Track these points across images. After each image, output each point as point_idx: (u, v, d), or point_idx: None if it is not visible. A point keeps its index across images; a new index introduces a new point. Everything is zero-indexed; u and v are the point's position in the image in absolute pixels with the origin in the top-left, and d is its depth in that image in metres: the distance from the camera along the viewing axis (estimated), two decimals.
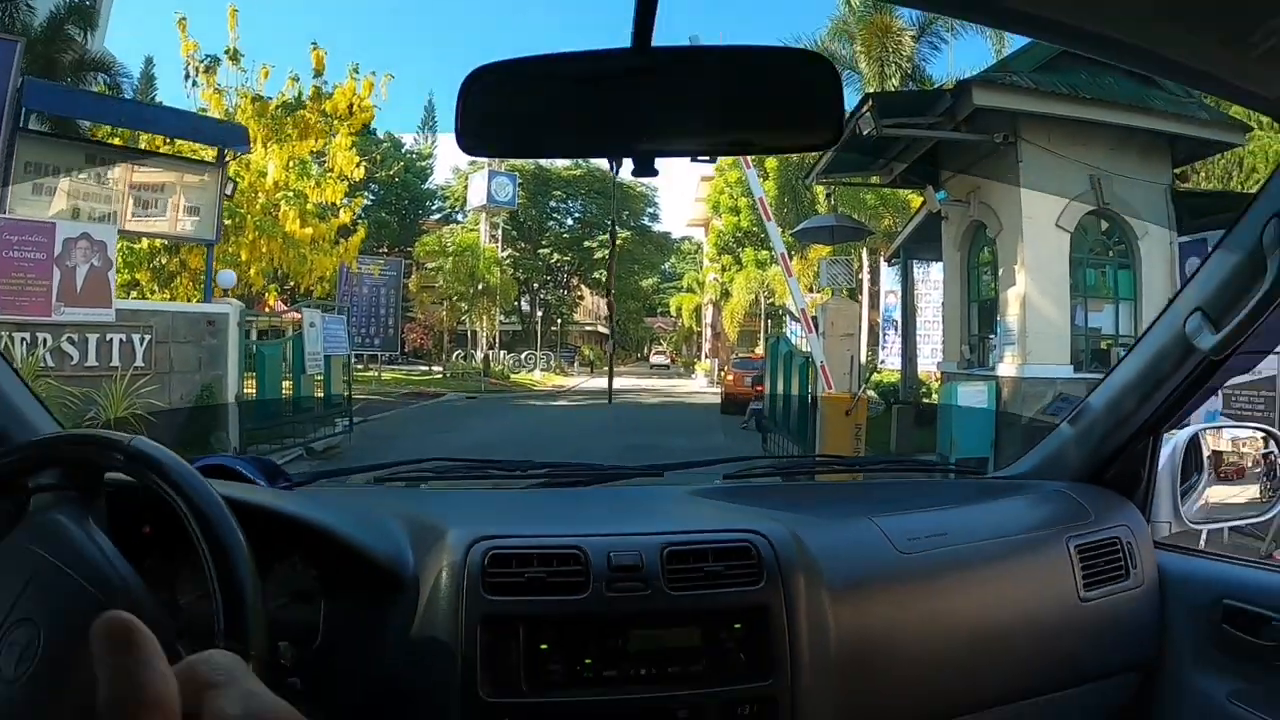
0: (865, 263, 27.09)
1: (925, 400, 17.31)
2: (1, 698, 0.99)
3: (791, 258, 17.79)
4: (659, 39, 1.04)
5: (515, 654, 1.35)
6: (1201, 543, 2.35)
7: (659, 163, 1.14)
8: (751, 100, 1.13)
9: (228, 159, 15.06)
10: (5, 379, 1.62)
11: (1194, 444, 2.13)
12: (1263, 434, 2.23)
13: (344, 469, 2.02)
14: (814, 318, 13.31)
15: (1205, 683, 1.78)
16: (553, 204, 50.93)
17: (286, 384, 14.24)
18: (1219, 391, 8.92)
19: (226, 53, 18.22)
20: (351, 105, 19.26)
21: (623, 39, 1.06)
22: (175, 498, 1.12)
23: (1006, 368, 12.99)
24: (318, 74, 19.06)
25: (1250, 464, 2.20)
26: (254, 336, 16.15)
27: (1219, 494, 2.15)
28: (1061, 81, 12.25)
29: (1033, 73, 12.38)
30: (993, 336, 14.12)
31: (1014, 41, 20.70)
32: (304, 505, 1.42)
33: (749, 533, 1.52)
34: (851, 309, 14.68)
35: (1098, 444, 2.07)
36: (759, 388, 18.89)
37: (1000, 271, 13.53)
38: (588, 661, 1.37)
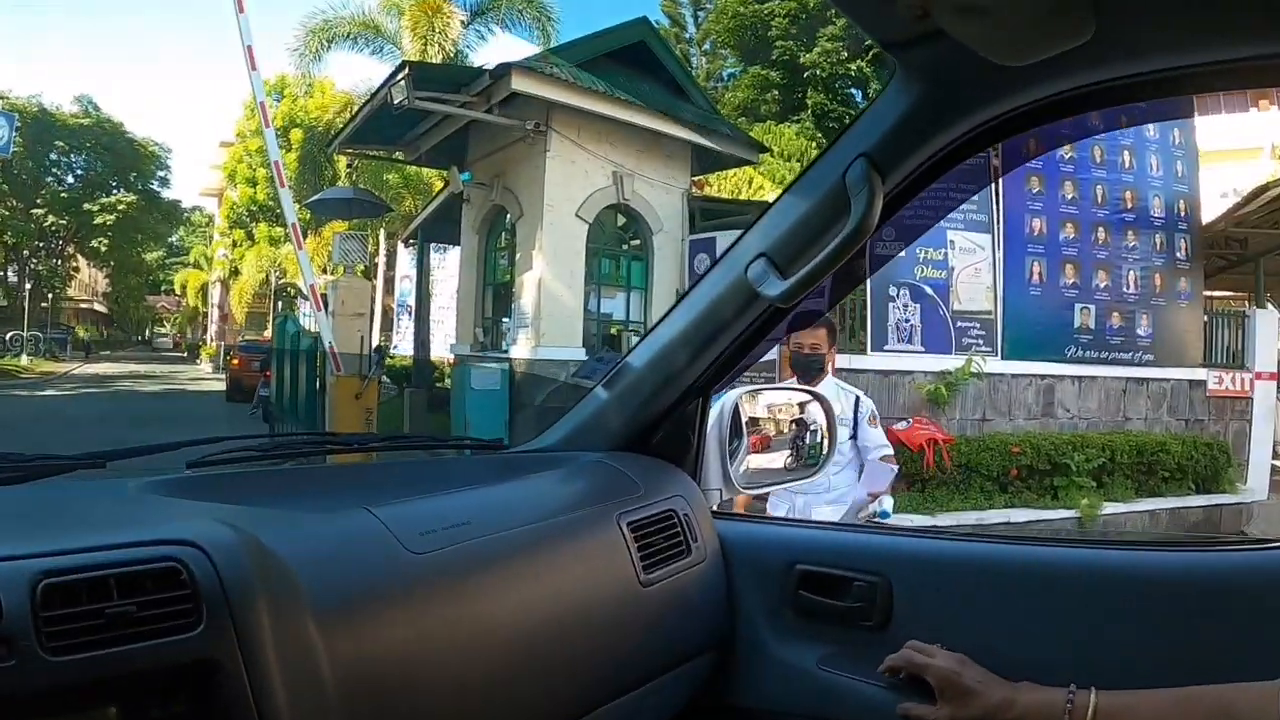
0: (383, 246, 27.26)
1: (439, 384, 17.48)
2: None
3: (306, 235, 17.63)
4: None
5: None
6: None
7: None
8: None
9: None
10: None
11: (742, 404, 2.05)
12: (811, 395, 2.24)
13: None
14: (324, 295, 12.87)
15: (790, 652, 1.69)
16: (54, 156, 45.76)
17: None
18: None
19: None
20: None
21: None
22: None
23: (520, 350, 13.37)
24: None
25: (785, 428, 2.18)
26: None
27: (760, 459, 2.09)
28: (599, 80, 12.72)
29: (574, 67, 12.73)
30: (507, 320, 14.44)
31: (561, 36, 21.68)
32: None
33: (175, 544, 0.99)
34: (364, 287, 14.43)
35: (640, 407, 1.89)
36: (267, 373, 18.35)
37: (519, 256, 13.80)
38: None
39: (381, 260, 27.56)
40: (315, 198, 17.28)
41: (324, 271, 22.85)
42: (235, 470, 1.60)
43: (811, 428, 2.17)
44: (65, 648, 0.88)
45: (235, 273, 36.61)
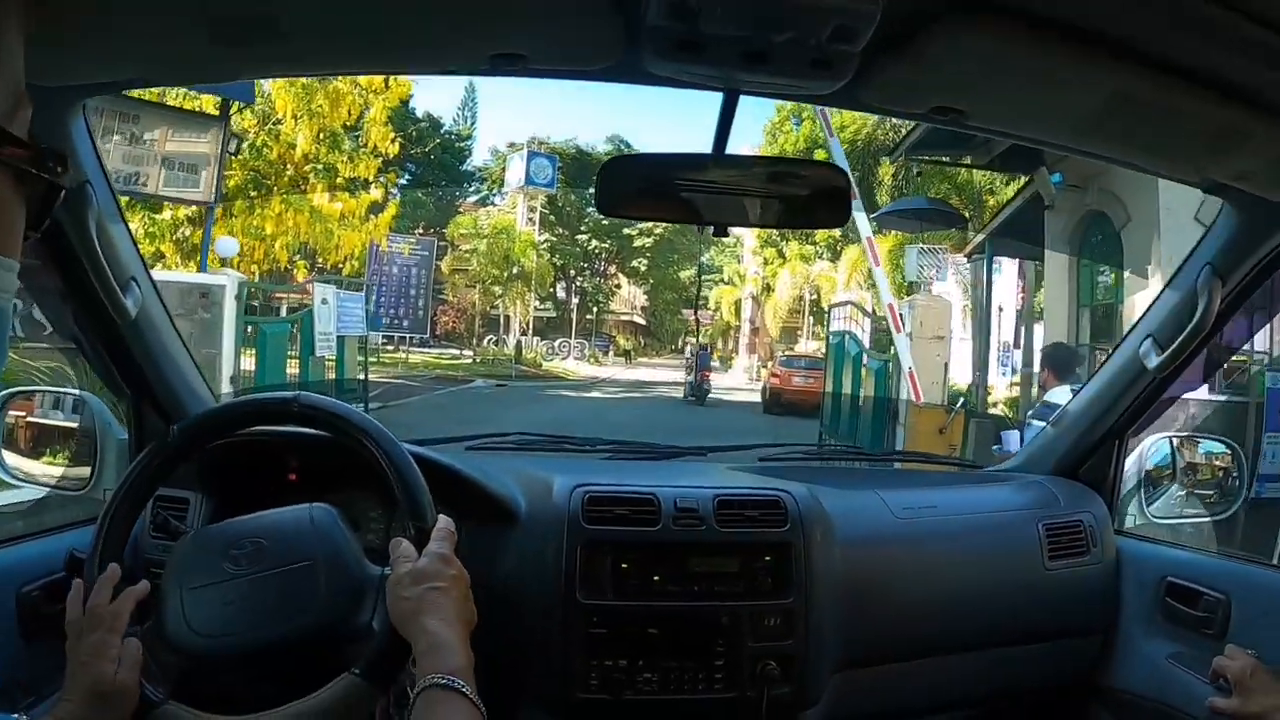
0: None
1: (993, 412, 15.85)
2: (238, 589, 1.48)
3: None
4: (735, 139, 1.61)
5: (605, 570, 1.84)
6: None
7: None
8: (790, 194, 1.70)
9: (231, 112, 14.04)
10: (182, 357, 2.04)
11: (1170, 449, 2.59)
12: (1229, 448, 2.73)
13: (437, 439, 2.26)
14: (901, 315, 12.10)
15: (1150, 646, 2.20)
16: (593, 189, 49.79)
17: (294, 365, 13.29)
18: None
19: None
20: (387, 79, 18.47)
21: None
22: (358, 435, 1.55)
23: None
24: None
25: (1216, 474, 2.69)
26: (284, 313, 17.75)
27: (1185, 498, 2.59)
28: None
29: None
30: (1110, 347, 12.23)
31: None
32: (428, 451, 1.84)
33: (780, 491, 2.02)
34: (944, 307, 13.25)
35: (1072, 444, 2.52)
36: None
37: (1128, 272, 11.72)
38: (656, 579, 1.86)
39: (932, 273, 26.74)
40: (886, 209, 16.52)
41: (860, 287, 22.29)
42: (790, 464, 2.75)
43: (1234, 473, 2.67)
44: (725, 526, 1.91)
45: (767, 289, 37.87)
